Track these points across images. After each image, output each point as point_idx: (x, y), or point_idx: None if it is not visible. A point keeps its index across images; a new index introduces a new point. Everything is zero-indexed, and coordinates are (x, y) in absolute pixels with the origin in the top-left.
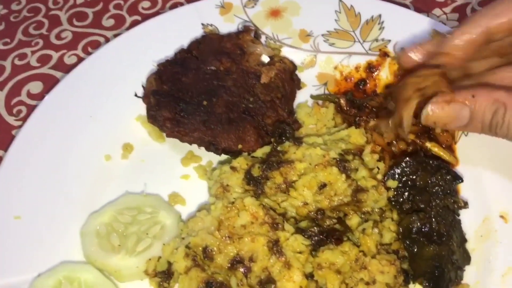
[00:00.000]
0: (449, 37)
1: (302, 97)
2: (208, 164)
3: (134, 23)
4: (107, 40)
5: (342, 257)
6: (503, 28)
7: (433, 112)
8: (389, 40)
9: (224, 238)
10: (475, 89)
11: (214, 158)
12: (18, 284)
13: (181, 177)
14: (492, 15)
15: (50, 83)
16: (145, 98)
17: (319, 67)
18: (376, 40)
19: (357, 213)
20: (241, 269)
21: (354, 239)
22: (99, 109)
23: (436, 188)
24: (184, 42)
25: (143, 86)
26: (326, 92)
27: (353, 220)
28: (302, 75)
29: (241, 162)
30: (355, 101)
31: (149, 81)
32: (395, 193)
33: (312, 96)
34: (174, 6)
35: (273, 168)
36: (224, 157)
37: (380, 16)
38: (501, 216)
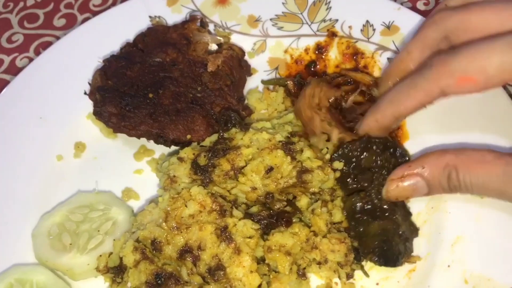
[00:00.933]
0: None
1: (253, 83)
2: (161, 157)
3: (86, 21)
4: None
5: (292, 239)
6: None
7: (391, 191)
8: (336, 20)
9: (171, 229)
10: (423, 159)
11: (167, 150)
12: None
13: (134, 172)
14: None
15: (2, 87)
16: (91, 94)
17: (270, 51)
18: (324, 20)
19: (306, 194)
20: (190, 259)
21: (306, 220)
22: (49, 109)
23: (381, 166)
24: (132, 37)
25: (89, 83)
26: (278, 76)
27: (302, 201)
28: (253, 61)
29: (188, 152)
30: (303, 83)
31: (94, 77)
32: (342, 174)
33: (262, 81)
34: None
35: (219, 156)
36: (174, 149)
37: None
38: None
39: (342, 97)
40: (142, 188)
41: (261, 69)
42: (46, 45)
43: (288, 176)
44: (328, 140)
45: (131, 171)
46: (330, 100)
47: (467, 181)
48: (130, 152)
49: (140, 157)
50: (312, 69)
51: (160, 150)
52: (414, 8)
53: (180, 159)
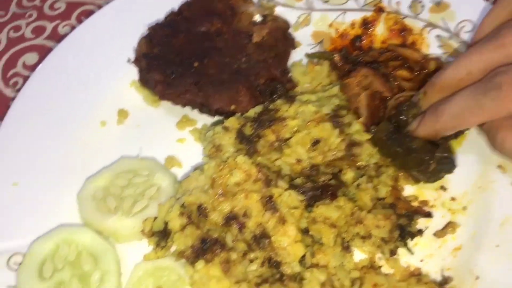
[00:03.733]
0: None
1: (297, 56)
2: (203, 127)
3: None
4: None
5: (337, 212)
6: None
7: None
8: None
9: (217, 195)
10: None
11: (209, 121)
12: (17, 247)
13: (177, 140)
14: None
15: (45, 54)
16: (136, 61)
17: (314, 25)
18: None
19: (352, 168)
20: (236, 225)
21: (350, 195)
22: (93, 76)
23: None
24: (176, 6)
25: (134, 50)
26: (322, 50)
27: (348, 175)
28: (297, 34)
29: (233, 122)
30: (349, 57)
31: (140, 44)
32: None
33: (307, 55)
34: None
35: (265, 126)
36: (218, 119)
37: None
38: (499, 166)
39: (390, 73)
40: (184, 156)
41: (305, 43)
42: (88, 13)
43: (336, 149)
44: None
45: (173, 140)
46: (380, 93)
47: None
48: (173, 121)
49: (182, 126)
50: (358, 44)
51: (203, 120)
52: None
53: (225, 128)
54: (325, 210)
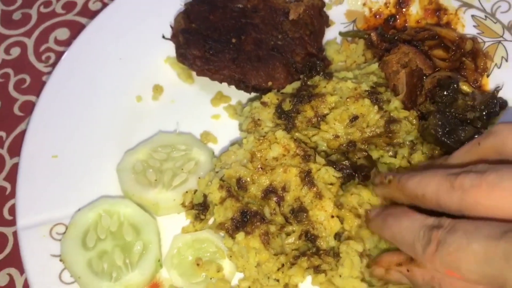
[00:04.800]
0: None
1: (330, 35)
2: (238, 104)
3: None
4: None
5: (366, 197)
6: None
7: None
8: None
9: (256, 169)
10: None
11: (243, 98)
12: (61, 217)
13: (212, 117)
14: None
15: (76, 29)
16: (173, 37)
17: (348, 4)
18: None
19: (387, 147)
20: (274, 199)
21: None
22: (128, 51)
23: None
24: None
25: (171, 26)
26: (355, 29)
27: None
28: (330, 13)
29: (271, 97)
30: (386, 35)
31: (177, 20)
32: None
33: (341, 33)
34: None
35: (304, 102)
36: (253, 95)
37: None
38: None
39: (426, 52)
40: (219, 132)
41: (338, 21)
42: None
43: (375, 126)
44: None
45: (208, 116)
46: (419, 71)
47: None
48: (207, 98)
49: (217, 103)
50: (391, 23)
51: (237, 97)
52: None
53: (264, 104)
54: (355, 190)
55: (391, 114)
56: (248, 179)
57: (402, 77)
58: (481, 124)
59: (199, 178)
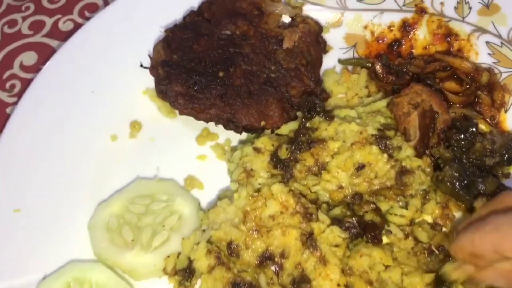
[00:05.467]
0: None
1: (328, 62)
2: (226, 142)
3: None
4: (106, 2)
5: (378, 259)
6: None
7: None
8: None
9: (250, 231)
10: None
11: (232, 134)
12: (22, 287)
13: (197, 157)
14: None
15: (45, 53)
16: (152, 69)
17: (347, 26)
18: None
19: (397, 197)
20: (272, 267)
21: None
22: (102, 82)
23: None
24: (195, 4)
25: (150, 56)
26: (355, 55)
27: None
28: (328, 37)
29: (265, 142)
30: (392, 67)
31: (156, 49)
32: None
33: (340, 61)
34: None
35: (303, 149)
36: (244, 135)
37: None
38: None
39: (441, 90)
40: (207, 176)
41: (336, 46)
42: (92, 7)
43: (385, 177)
44: None
45: (193, 156)
46: (432, 111)
47: None
48: (192, 135)
49: (203, 141)
50: (396, 49)
51: (225, 134)
52: None
53: (257, 150)
54: (365, 250)
55: (403, 164)
56: (241, 243)
57: (414, 120)
58: (501, 172)
59: (183, 238)
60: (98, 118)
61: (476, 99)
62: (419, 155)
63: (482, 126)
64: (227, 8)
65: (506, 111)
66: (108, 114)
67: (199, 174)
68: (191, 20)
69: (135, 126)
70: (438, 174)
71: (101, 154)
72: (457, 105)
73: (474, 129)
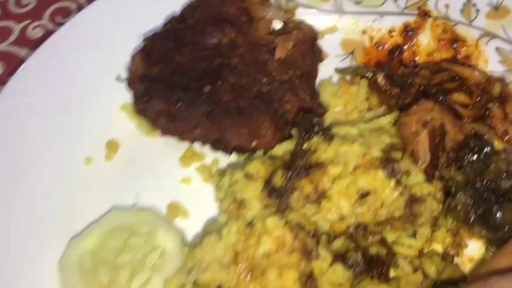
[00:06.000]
0: None
1: (324, 72)
2: (214, 163)
3: None
4: (80, 7)
5: None
6: None
7: None
8: None
9: (243, 273)
10: None
11: (220, 154)
12: None
13: (181, 181)
14: None
15: (11, 63)
16: (131, 83)
17: (344, 32)
18: None
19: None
20: None
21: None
22: (74, 98)
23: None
24: (177, 8)
25: (128, 68)
26: (353, 63)
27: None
28: (322, 43)
29: (258, 168)
30: (395, 77)
31: (135, 61)
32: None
33: (337, 70)
34: None
35: (301, 176)
36: (234, 155)
37: None
38: None
39: (452, 106)
40: (191, 202)
41: (332, 54)
42: (64, 12)
43: (393, 206)
44: None
45: (177, 180)
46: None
47: None
48: (175, 155)
49: (187, 162)
50: (397, 56)
51: (212, 153)
52: None
53: (249, 177)
54: None
55: (413, 191)
56: (231, 287)
57: (423, 140)
58: None
59: (166, 280)
60: (70, 138)
61: (487, 112)
62: (428, 177)
63: (495, 143)
64: (212, 13)
65: None
66: (81, 133)
67: (183, 200)
68: (173, 27)
69: (112, 146)
70: (450, 201)
71: (73, 180)
72: (466, 119)
73: (489, 149)
